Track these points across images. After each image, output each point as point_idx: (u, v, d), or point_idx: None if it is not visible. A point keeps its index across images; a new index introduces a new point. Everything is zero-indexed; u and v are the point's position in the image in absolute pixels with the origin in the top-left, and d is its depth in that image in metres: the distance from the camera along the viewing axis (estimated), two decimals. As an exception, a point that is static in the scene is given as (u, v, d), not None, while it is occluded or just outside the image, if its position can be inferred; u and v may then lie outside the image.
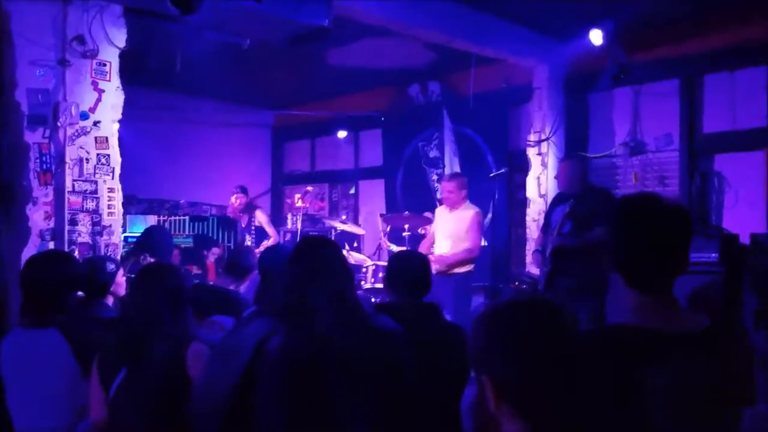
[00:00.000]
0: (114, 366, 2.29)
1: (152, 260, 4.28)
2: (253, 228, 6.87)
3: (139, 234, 6.19)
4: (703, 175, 6.06)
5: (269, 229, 6.93)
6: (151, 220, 7.57)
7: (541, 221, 5.58)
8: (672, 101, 6.22)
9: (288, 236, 7.88)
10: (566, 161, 5.26)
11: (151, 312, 2.29)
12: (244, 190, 6.99)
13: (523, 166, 6.91)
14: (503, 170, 6.02)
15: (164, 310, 2.29)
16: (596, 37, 5.72)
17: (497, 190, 7.07)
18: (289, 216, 8.43)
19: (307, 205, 8.60)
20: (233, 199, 6.96)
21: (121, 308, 2.81)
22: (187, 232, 7.32)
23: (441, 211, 5.79)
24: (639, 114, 6.44)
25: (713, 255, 4.64)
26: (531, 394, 1.09)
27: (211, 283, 5.35)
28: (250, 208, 6.98)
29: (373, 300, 5.38)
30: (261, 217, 6.96)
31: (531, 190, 6.78)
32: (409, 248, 5.79)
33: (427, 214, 6.47)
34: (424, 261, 2.91)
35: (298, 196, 8.45)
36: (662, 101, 6.27)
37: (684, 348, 1.40)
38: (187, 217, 7.54)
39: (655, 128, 6.34)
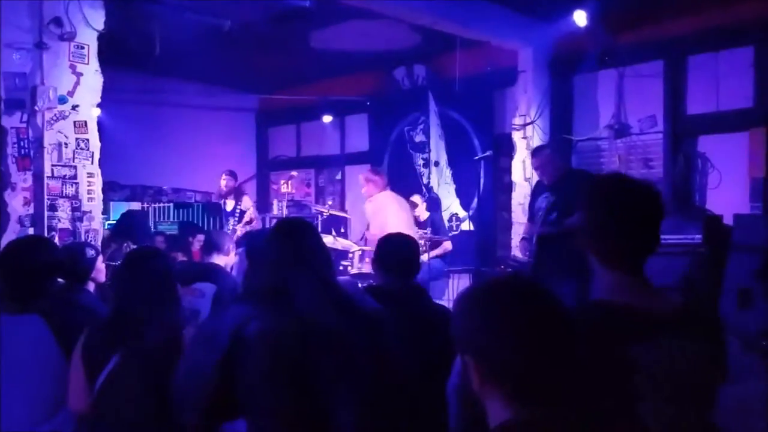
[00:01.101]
0: (101, 354, 2.22)
1: (134, 247, 4.26)
2: (237, 213, 6.92)
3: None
4: (686, 156, 6.08)
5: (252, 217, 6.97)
6: (136, 207, 7.50)
7: (527, 205, 5.56)
8: (656, 83, 6.22)
9: (274, 222, 7.84)
10: (540, 152, 5.04)
11: (144, 297, 2.25)
12: (233, 174, 7.10)
13: (509, 150, 6.91)
14: (488, 153, 6.00)
15: (156, 294, 2.27)
16: (580, 18, 5.70)
17: (483, 175, 7.06)
18: (275, 202, 8.40)
19: (293, 191, 8.56)
20: (222, 182, 7.04)
21: (112, 294, 2.79)
22: (171, 219, 7.27)
23: None
24: (623, 96, 6.43)
25: (697, 236, 4.68)
26: (517, 371, 1.08)
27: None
28: (238, 193, 7.09)
29: (359, 285, 5.37)
30: (247, 203, 7.04)
31: (516, 174, 6.77)
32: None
33: (413, 199, 6.47)
34: (413, 243, 2.91)
35: (283, 181, 8.40)
36: (647, 83, 6.27)
37: (667, 326, 1.41)
38: (171, 204, 7.48)
39: (640, 110, 6.34)
